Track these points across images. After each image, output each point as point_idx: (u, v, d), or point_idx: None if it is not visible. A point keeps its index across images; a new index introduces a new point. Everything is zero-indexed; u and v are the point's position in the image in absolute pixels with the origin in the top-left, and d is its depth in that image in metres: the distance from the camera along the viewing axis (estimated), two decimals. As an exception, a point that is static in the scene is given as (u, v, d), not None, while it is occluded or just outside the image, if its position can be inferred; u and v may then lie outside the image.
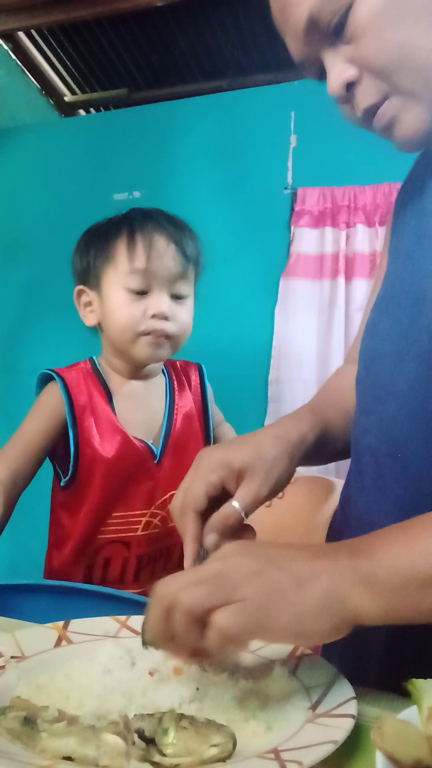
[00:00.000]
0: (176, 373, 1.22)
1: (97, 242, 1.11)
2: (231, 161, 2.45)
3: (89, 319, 1.13)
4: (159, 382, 1.19)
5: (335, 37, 0.63)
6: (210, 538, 0.64)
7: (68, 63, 2.80)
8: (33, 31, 2.60)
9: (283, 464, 0.67)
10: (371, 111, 0.64)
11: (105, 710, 0.47)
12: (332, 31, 0.62)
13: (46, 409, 1.10)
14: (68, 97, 3.02)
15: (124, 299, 1.06)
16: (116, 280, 1.07)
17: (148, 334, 1.06)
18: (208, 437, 1.20)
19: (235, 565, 0.50)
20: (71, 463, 1.09)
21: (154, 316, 1.06)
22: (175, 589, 0.49)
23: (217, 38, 2.58)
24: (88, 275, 1.12)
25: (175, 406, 1.17)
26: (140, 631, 0.51)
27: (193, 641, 0.49)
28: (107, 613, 0.65)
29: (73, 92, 3.00)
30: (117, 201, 2.53)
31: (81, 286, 1.13)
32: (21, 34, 2.61)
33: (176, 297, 1.09)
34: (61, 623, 0.62)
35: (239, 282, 2.36)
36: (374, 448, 0.68)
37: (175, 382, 1.20)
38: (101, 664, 0.54)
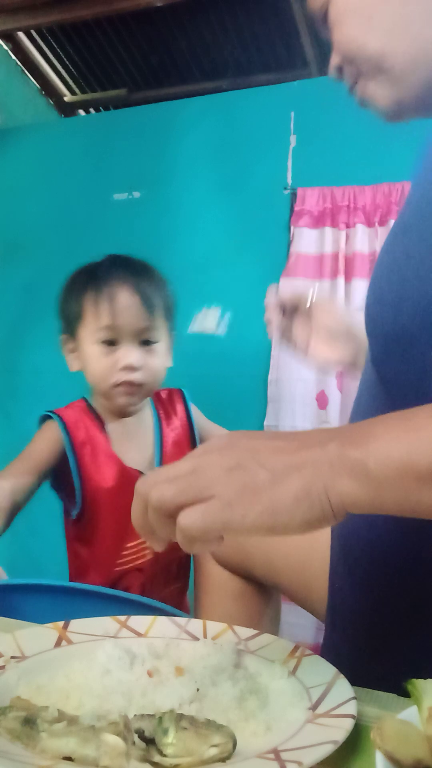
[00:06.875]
0: (162, 404, 1.27)
1: (70, 296, 1.17)
2: (231, 161, 2.45)
3: (74, 365, 1.18)
4: (147, 415, 1.24)
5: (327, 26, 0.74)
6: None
7: (68, 63, 2.80)
8: (33, 31, 2.61)
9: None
10: (352, 90, 0.76)
11: (105, 710, 0.47)
12: (322, 22, 0.74)
13: (51, 435, 1.15)
14: (68, 97, 3.02)
15: (97, 352, 1.11)
16: (88, 334, 1.12)
17: (119, 385, 1.11)
18: None
19: (210, 461, 0.49)
20: (77, 497, 1.14)
21: (123, 369, 1.10)
22: (149, 486, 0.49)
23: (217, 38, 2.58)
24: (68, 325, 1.17)
25: (164, 436, 1.23)
26: None
27: (169, 536, 0.49)
28: (107, 614, 0.65)
29: (73, 92, 3.00)
30: (117, 201, 2.53)
31: (65, 335, 1.19)
32: (21, 34, 2.62)
33: (146, 343, 1.12)
34: (61, 623, 0.62)
35: (239, 282, 2.36)
36: None
37: (162, 413, 1.25)
38: (101, 665, 0.54)
